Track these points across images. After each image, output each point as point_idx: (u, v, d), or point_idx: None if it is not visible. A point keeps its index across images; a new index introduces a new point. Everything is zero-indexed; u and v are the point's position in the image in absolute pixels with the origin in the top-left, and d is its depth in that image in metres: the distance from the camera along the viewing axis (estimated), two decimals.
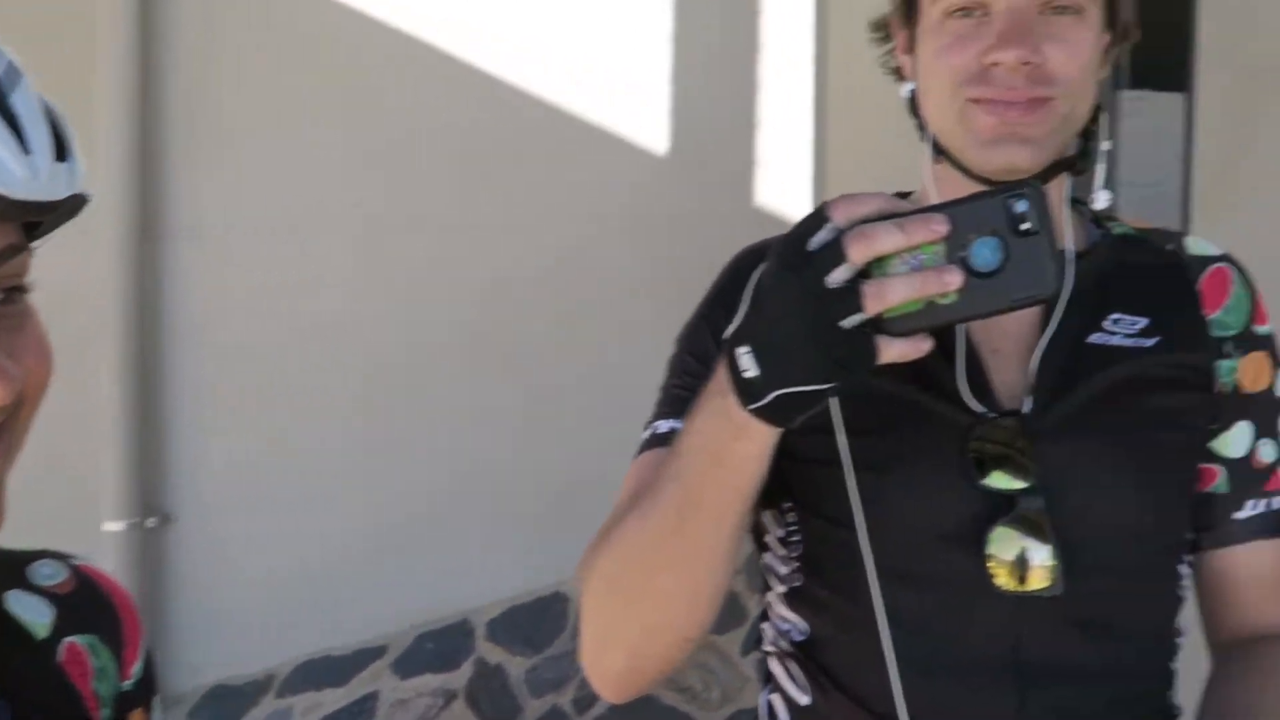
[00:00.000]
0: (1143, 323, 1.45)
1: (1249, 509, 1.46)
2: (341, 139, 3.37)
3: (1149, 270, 1.49)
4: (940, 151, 1.45)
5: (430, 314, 3.42)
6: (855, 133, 3.24)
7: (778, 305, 1.09)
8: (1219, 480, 1.46)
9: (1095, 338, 1.43)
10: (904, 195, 1.52)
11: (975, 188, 1.37)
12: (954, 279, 1.08)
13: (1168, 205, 2.15)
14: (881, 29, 1.52)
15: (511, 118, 3.44)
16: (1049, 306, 1.43)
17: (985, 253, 1.10)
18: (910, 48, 1.47)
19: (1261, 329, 1.50)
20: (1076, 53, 1.39)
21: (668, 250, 3.44)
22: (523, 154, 3.45)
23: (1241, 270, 1.52)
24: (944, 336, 1.39)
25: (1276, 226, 3.21)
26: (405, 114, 3.39)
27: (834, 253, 1.07)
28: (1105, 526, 1.37)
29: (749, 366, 1.11)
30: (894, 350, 1.10)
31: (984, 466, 1.35)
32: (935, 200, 1.34)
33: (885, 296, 1.07)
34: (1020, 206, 1.10)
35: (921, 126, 1.47)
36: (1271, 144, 3.11)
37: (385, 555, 3.45)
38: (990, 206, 1.11)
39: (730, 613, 3.26)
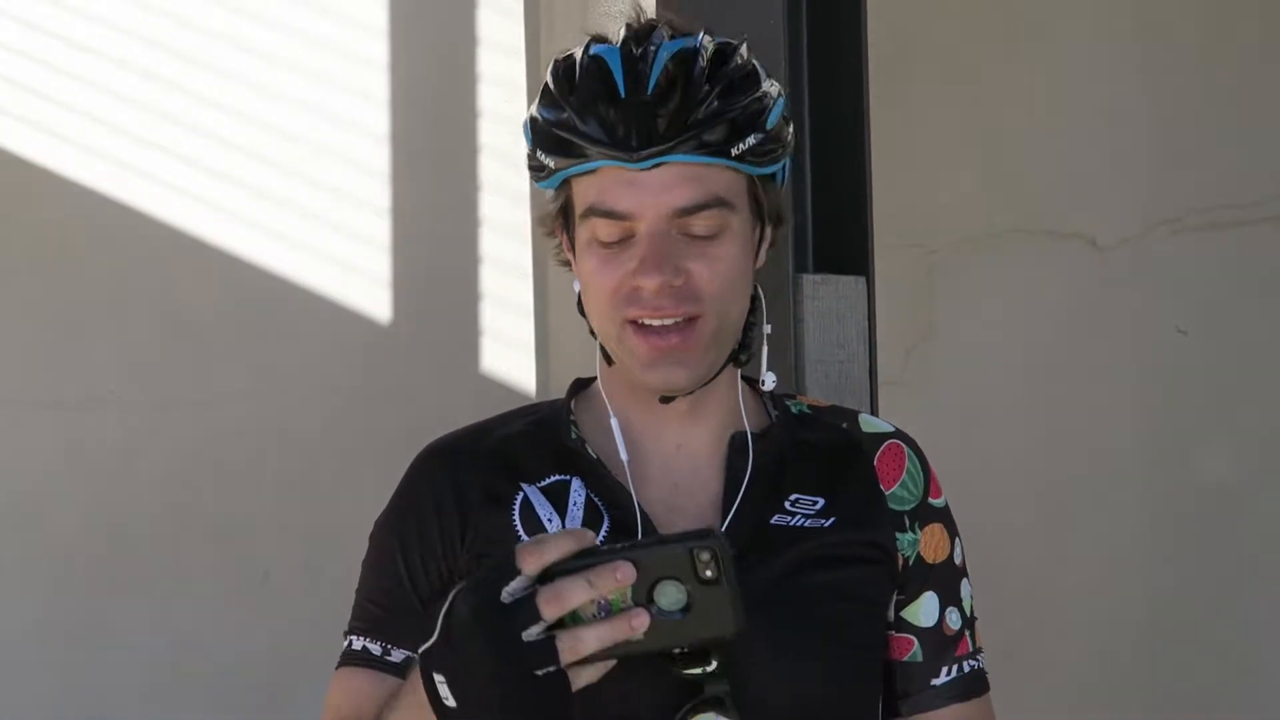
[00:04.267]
0: (821, 503, 1.51)
1: (944, 675, 1.55)
2: (34, 307, 3.25)
3: (824, 449, 1.56)
4: (609, 355, 1.51)
5: (133, 493, 3.30)
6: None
7: (473, 652, 1.20)
8: (914, 649, 1.55)
9: (777, 519, 1.50)
10: (587, 382, 1.58)
11: (642, 393, 1.50)
12: (640, 622, 1.21)
13: (855, 385, 2.23)
14: (548, 224, 1.56)
15: (222, 285, 3.37)
16: (729, 489, 1.51)
17: (670, 596, 1.21)
18: (572, 250, 1.52)
19: (937, 502, 1.59)
20: (719, 270, 1.46)
21: (389, 422, 3.40)
22: (234, 324, 3.38)
23: (913, 445, 1.61)
24: (629, 525, 1.48)
25: (957, 406, 3.36)
26: (107, 280, 3.29)
27: (529, 610, 1.20)
28: (791, 705, 1.43)
29: (447, 695, 1.23)
30: (583, 678, 1.23)
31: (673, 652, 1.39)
32: (609, 397, 1.52)
33: (579, 650, 1.20)
34: (703, 556, 1.21)
35: (591, 327, 1.53)
36: (950, 325, 3.25)
37: None
38: (674, 553, 1.22)
39: None
